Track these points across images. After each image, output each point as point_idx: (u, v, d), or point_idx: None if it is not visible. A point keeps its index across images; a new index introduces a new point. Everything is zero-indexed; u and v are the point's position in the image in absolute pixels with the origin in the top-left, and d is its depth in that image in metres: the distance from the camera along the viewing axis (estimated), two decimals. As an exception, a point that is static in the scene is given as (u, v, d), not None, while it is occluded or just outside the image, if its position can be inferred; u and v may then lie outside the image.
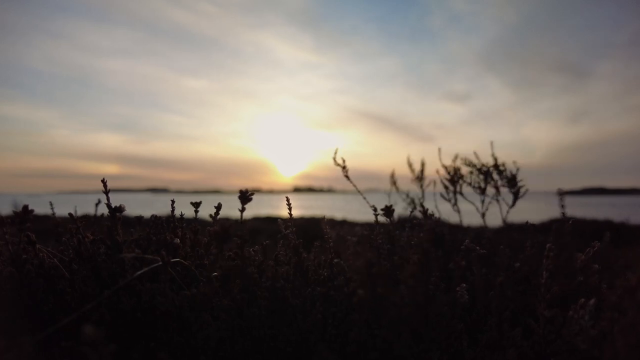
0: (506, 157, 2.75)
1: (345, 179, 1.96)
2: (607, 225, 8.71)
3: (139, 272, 0.84)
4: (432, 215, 1.14)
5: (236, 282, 0.88)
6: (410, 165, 2.82)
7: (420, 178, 2.78)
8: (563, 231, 0.93)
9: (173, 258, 0.97)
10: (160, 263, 0.80)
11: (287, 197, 0.99)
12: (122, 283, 0.88)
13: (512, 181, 2.43)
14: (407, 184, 2.76)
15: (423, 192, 2.78)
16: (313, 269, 1.00)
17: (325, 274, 0.98)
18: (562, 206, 0.90)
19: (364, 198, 2.15)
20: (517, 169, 2.44)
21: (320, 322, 0.90)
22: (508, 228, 2.61)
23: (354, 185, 2.25)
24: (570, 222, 0.93)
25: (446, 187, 2.69)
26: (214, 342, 0.80)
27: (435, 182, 2.75)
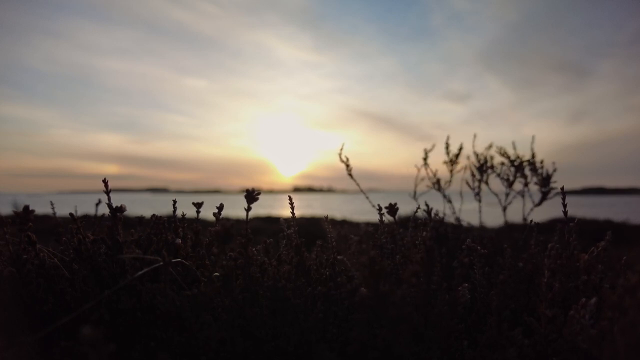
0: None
1: (344, 179, 1.95)
2: (607, 225, 8.72)
3: (139, 272, 0.84)
4: (437, 214, 1.14)
5: (237, 282, 0.88)
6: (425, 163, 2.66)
7: (437, 185, 2.67)
8: (567, 230, 0.93)
9: (174, 258, 0.96)
10: (161, 263, 0.80)
11: (289, 197, 0.99)
12: (123, 283, 0.88)
13: (545, 180, 2.36)
14: (406, 184, 2.72)
15: (443, 193, 2.65)
16: (315, 268, 1.00)
17: (328, 273, 0.98)
18: (564, 205, 0.90)
19: (367, 197, 2.15)
20: (555, 170, 2.37)
21: (322, 322, 0.90)
22: (509, 228, 2.59)
23: (357, 184, 2.24)
24: (575, 220, 0.93)
25: (473, 175, 2.61)
26: (215, 342, 0.79)
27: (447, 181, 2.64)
